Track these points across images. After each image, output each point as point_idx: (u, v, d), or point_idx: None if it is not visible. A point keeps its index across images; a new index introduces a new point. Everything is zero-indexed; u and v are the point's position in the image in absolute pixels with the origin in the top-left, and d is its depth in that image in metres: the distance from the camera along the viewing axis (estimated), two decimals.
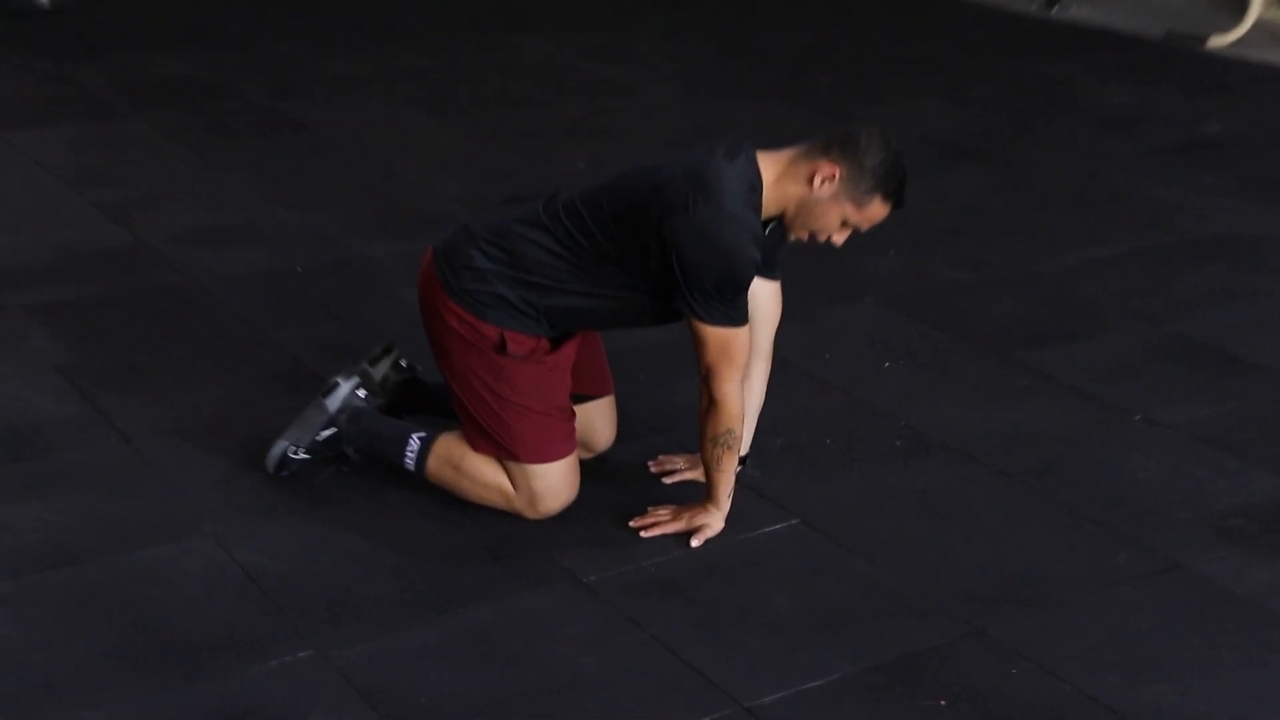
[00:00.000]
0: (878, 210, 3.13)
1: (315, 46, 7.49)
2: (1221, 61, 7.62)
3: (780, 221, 3.19)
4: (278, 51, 7.38)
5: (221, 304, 4.47)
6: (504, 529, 3.31)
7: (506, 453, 3.27)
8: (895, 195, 3.12)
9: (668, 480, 3.53)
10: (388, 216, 5.21)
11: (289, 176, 5.60)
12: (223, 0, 8.46)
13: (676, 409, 3.78)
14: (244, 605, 3.04)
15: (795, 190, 3.11)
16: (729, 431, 3.20)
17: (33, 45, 7.33)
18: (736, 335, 3.13)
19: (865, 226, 3.17)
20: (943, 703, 2.80)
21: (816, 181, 3.09)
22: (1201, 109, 6.77)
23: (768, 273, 3.32)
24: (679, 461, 3.56)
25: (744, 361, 3.19)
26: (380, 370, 3.53)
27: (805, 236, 3.20)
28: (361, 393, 3.48)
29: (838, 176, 3.08)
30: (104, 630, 2.95)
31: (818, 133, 3.17)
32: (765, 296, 3.35)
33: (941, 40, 7.99)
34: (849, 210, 3.12)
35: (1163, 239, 5.17)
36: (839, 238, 3.18)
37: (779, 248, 3.30)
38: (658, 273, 3.11)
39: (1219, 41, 7.86)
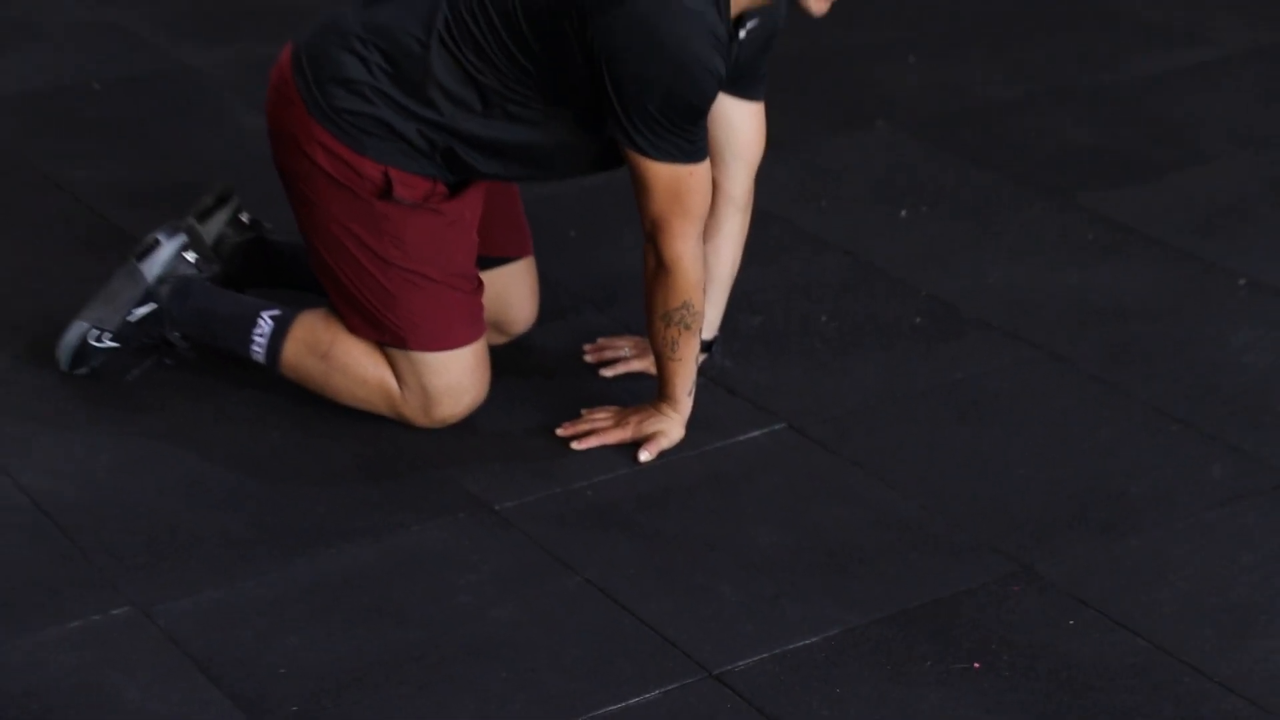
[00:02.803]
0: None
1: None
2: None
3: (761, 20, 3.20)
4: None
5: None
6: (387, 441, 3.36)
7: (392, 337, 3.31)
8: None
9: (608, 372, 3.58)
10: (217, 10, 5.18)
11: None
12: None
13: (620, 275, 3.84)
14: (33, 547, 3.08)
15: None
16: (686, 305, 3.24)
17: None
18: (692, 175, 3.16)
19: None
20: (977, 665, 2.87)
21: None
22: None
23: (746, 91, 3.35)
24: (623, 347, 3.62)
25: (703, 211, 3.22)
26: (214, 227, 3.54)
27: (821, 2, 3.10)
28: (190, 256, 3.49)
29: None
30: None
31: None
32: (742, 124, 3.38)
33: None
34: None
35: None
36: None
37: (762, 55, 3.32)
38: (588, 94, 3.13)
39: None
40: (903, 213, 4.24)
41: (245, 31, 4.98)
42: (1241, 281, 3.97)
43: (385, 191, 3.23)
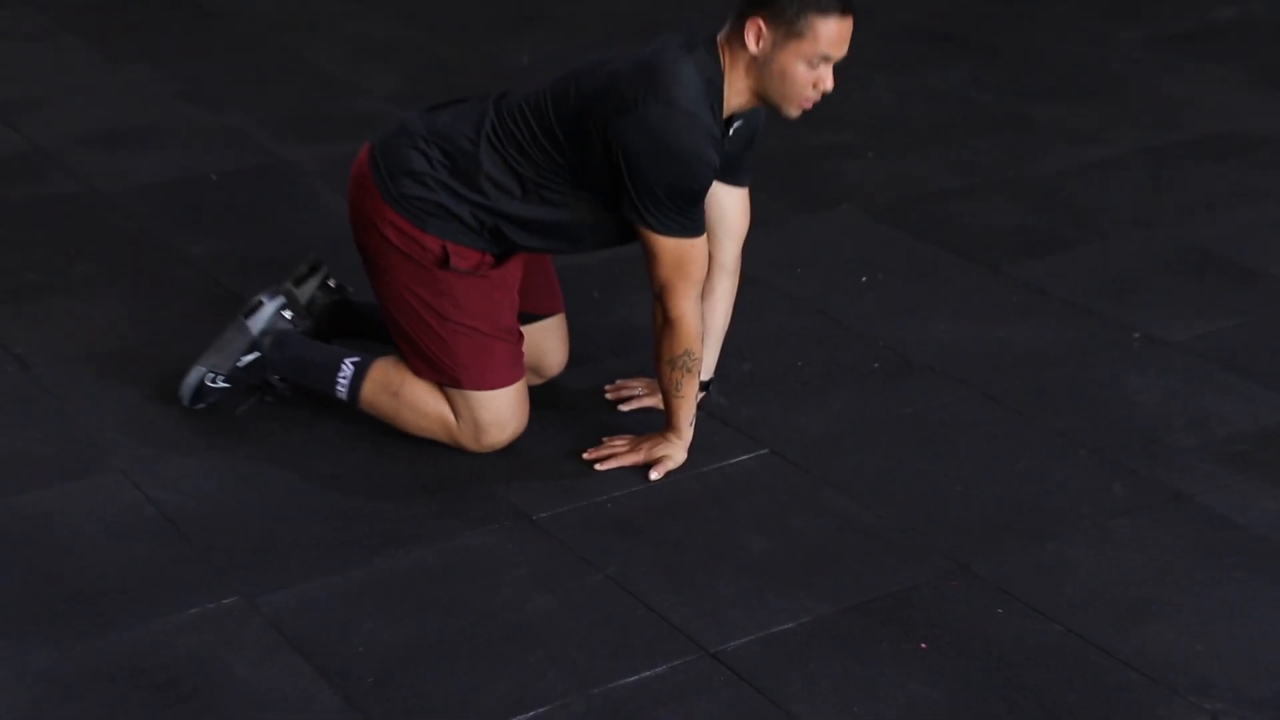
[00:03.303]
0: (824, 28, 3.04)
1: None
2: None
3: (746, 120, 3.22)
4: None
5: (126, 215, 4.47)
6: (445, 463, 3.35)
7: (449, 378, 3.30)
8: (829, 3, 3.03)
9: (625, 408, 3.57)
10: (311, 116, 5.20)
11: (199, 70, 5.57)
12: None
13: (634, 329, 3.82)
14: (160, 548, 3.08)
15: (745, 63, 3.11)
16: (687, 353, 3.24)
17: None
18: (693, 247, 3.16)
19: (834, 51, 3.07)
20: (924, 645, 2.87)
21: (753, 44, 3.08)
22: None
23: (734, 179, 3.35)
24: (637, 387, 3.60)
25: (701, 276, 3.22)
26: (307, 290, 3.54)
27: (803, 105, 3.12)
28: (287, 314, 3.49)
29: (764, 24, 3.06)
30: (5, 577, 2.97)
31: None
32: (731, 205, 3.39)
33: None
34: (802, 49, 3.06)
35: (1168, 137, 5.22)
36: (826, 82, 3.09)
37: (747, 150, 3.33)
38: (608, 181, 3.14)
39: None
40: (863, 279, 4.23)
41: (331, 133, 5.00)
42: (1136, 335, 3.96)
43: (444, 261, 3.24)
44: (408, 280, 3.27)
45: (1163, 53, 6.00)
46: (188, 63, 5.64)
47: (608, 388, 3.63)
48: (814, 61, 3.07)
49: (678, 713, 2.71)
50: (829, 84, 3.11)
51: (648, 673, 2.79)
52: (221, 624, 2.88)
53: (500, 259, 3.31)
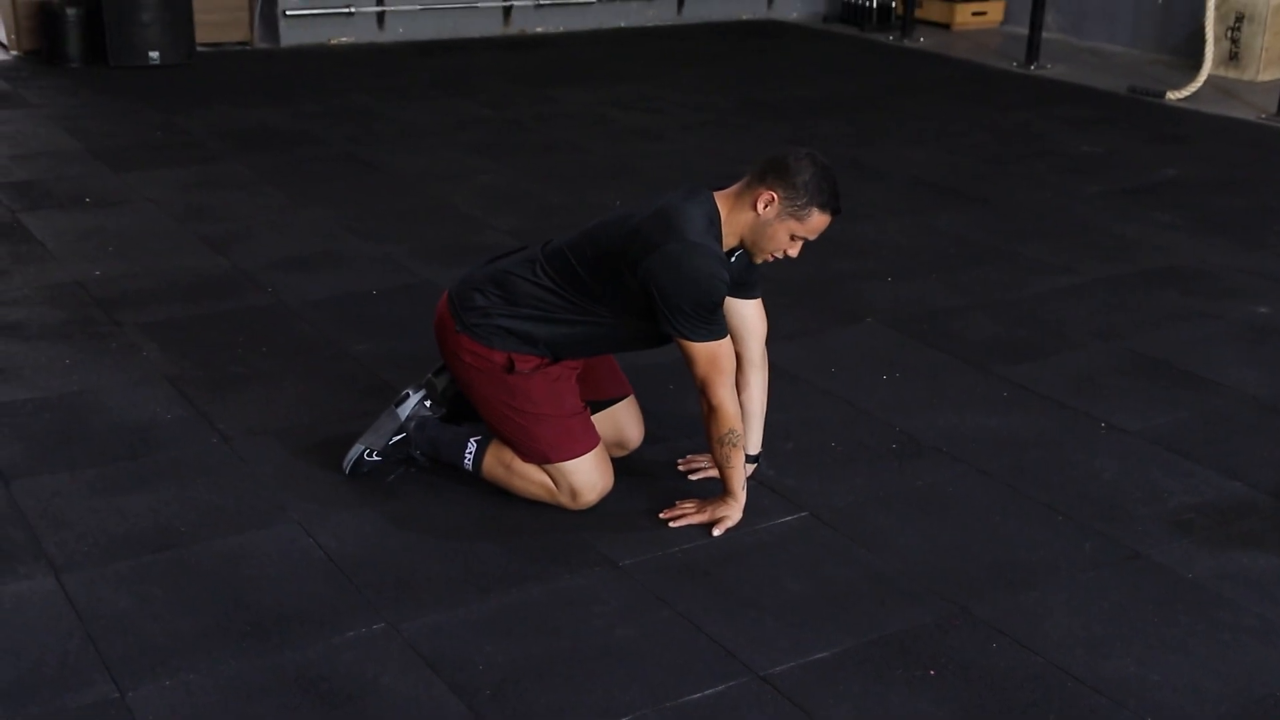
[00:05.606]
0: (818, 220, 3.12)
1: (386, 99, 7.54)
2: (1177, 114, 7.62)
3: (742, 249, 3.21)
4: (354, 103, 7.43)
5: (306, 322, 4.50)
6: (550, 520, 3.32)
7: (539, 457, 3.28)
8: (830, 205, 3.12)
9: (693, 477, 3.53)
10: (450, 246, 5.24)
11: (364, 211, 5.63)
12: (306, 58, 8.53)
13: (699, 415, 3.79)
14: (325, 583, 3.06)
15: (746, 218, 3.12)
16: (731, 431, 3.20)
17: (145, 97, 7.40)
18: (720, 347, 3.13)
19: (813, 236, 3.15)
20: (932, 673, 2.81)
21: (760, 207, 3.10)
22: (1159, 155, 6.77)
23: (747, 293, 3.33)
24: (702, 461, 3.56)
25: (732, 369, 3.18)
26: (442, 382, 3.53)
27: (768, 258, 3.18)
28: (428, 403, 3.49)
29: (776, 199, 3.09)
30: (204, 604, 2.98)
31: (754, 163, 3.17)
32: (750, 314, 3.36)
33: (933, 94, 8.00)
34: (794, 226, 3.11)
35: (1124, 268, 5.17)
36: (793, 251, 3.17)
37: (750, 272, 3.31)
38: (641, 304, 3.13)
39: (1175, 96, 7.86)
40: (884, 377, 4.18)
41: (466, 260, 5.00)
42: (1102, 425, 3.89)
43: (510, 368, 3.24)
44: (486, 389, 3.26)
45: (1118, 203, 5.97)
46: (355, 205, 5.71)
47: (679, 461, 3.59)
48: (796, 237, 3.13)
49: None
50: (795, 254, 3.16)
51: (709, 690, 2.74)
52: (371, 645, 2.86)
53: (555, 360, 3.29)
